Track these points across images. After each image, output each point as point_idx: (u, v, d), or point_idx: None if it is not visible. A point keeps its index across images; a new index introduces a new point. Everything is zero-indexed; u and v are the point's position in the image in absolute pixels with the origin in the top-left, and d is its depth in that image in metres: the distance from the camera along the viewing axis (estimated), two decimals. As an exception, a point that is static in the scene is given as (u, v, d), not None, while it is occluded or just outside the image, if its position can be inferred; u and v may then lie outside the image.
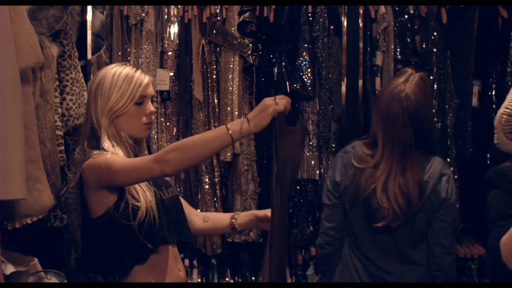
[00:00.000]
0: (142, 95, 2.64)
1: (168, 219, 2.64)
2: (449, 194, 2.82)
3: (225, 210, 4.16)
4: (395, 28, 4.15)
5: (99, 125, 2.61)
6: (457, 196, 2.85)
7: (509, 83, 4.06)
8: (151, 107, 2.68)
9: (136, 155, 2.68)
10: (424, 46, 4.16)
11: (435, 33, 4.12)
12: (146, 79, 2.67)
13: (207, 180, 4.16)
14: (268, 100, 2.31)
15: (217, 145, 2.38)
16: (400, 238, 2.85)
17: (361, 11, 4.06)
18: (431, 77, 4.10)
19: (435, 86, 4.10)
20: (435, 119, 4.04)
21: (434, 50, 4.12)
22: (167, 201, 2.67)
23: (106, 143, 2.60)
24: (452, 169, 4.18)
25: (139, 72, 2.67)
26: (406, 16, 4.16)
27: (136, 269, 2.60)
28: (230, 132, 2.32)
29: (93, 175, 2.51)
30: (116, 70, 2.66)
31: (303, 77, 4.06)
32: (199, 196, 4.20)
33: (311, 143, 4.14)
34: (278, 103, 2.30)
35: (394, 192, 2.76)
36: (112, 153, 2.56)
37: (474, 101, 4.18)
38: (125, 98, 2.62)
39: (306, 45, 4.10)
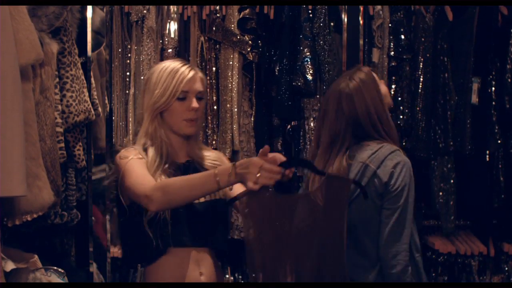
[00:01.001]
0: (184, 91, 2.63)
1: (189, 222, 2.63)
2: (393, 180, 2.69)
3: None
4: (390, 25, 4.15)
5: (142, 120, 2.70)
6: (409, 186, 2.67)
7: (509, 80, 4.06)
8: (193, 103, 2.64)
9: (168, 155, 2.67)
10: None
11: (422, 31, 4.13)
12: (190, 74, 2.65)
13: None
14: (256, 160, 2.24)
15: (202, 191, 2.39)
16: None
17: (361, 8, 4.06)
18: (419, 73, 4.10)
19: (420, 84, 4.11)
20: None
21: (421, 47, 4.13)
22: (198, 204, 2.63)
23: (141, 140, 2.69)
24: (449, 166, 4.19)
25: (185, 67, 2.67)
26: (401, 13, 4.16)
27: (150, 266, 2.65)
28: (217, 179, 2.31)
29: (117, 169, 2.63)
30: (164, 65, 2.70)
31: (305, 74, 4.06)
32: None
33: (312, 139, 4.14)
34: (263, 174, 2.20)
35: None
36: (134, 157, 2.61)
37: (474, 98, 4.18)
38: (167, 93, 2.63)
39: (307, 42, 4.10)
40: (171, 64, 2.69)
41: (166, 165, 2.64)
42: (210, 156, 2.79)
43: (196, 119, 2.67)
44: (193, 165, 2.69)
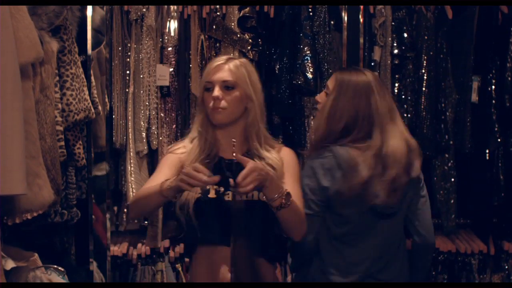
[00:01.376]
0: (209, 81, 2.72)
1: (219, 221, 2.68)
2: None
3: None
4: (393, 23, 4.15)
5: None
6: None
7: (509, 78, 4.06)
8: (215, 91, 2.68)
9: (213, 149, 2.76)
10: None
11: (425, 29, 4.13)
12: (215, 64, 2.74)
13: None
14: (186, 169, 2.38)
15: (152, 200, 2.56)
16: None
17: (361, 6, 4.05)
18: (422, 71, 4.10)
19: (424, 82, 4.10)
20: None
21: (424, 46, 4.13)
22: (233, 203, 2.67)
23: (192, 133, 2.84)
24: (450, 164, 4.20)
25: (220, 58, 2.77)
26: (403, 11, 4.16)
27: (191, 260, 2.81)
28: (161, 189, 2.47)
29: None
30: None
31: (306, 72, 4.06)
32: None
33: (313, 137, 4.15)
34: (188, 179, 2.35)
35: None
36: (169, 153, 2.81)
37: (474, 97, 4.18)
38: (201, 85, 2.78)
39: (307, 40, 4.10)
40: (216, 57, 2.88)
41: (206, 160, 2.70)
42: (269, 156, 2.74)
43: (221, 108, 2.68)
44: (238, 164, 2.55)
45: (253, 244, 2.71)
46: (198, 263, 2.74)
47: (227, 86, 2.69)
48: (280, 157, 2.76)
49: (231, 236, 2.67)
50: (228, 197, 2.66)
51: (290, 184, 2.67)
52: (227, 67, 2.70)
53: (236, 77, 2.70)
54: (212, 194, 2.61)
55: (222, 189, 2.49)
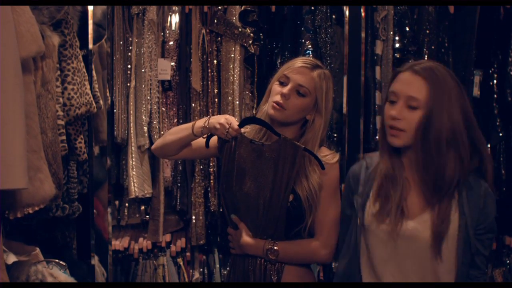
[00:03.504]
0: (286, 75, 2.75)
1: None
2: None
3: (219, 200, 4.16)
4: (395, 17, 4.14)
5: None
6: None
7: (511, 73, 4.05)
8: (285, 89, 2.72)
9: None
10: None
11: (427, 23, 4.12)
12: (298, 64, 2.76)
13: (198, 170, 4.17)
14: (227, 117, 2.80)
15: (181, 135, 2.87)
16: None
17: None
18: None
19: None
20: None
21: (426, 40, 4.12)
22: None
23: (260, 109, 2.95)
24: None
25: (307, 61, 2.80)
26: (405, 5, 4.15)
27: None
28: (193, 126, 2.80)
29: None
30: None
31: (307, 66, 4.06)
32: (193, 186, 4.21)
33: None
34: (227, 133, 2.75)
35: None
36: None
37: (475, 91, 4.18)
38: (276, 75, 2.82)
39: (309, 35, 4.09)
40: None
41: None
42: (314, 177, 2.76)
43: (282, 105, 2.71)
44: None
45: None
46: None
47: (299, 92, 2.72)
48: (323, 179, 2.76)
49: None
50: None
51: (326, 204, 2.77)
52: (311, 74, 2.73)
53: (314, 87, 2.74)
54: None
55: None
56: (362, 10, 3.97)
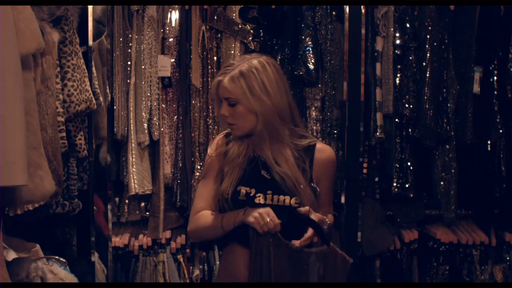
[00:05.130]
0: (216, 95, 2.71)
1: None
2: None
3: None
4: (395, 13, 4.14)
5: None
6: None
7: (511, 69, 4.05)
8: (222, 109, 2.67)
9: (249, 145, 2.75)
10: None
11: (428, 20, 4.11)
12: (216, 79, 2.67)
13: (198, 167, 4.17)
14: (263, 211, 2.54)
15: (212, 233, 2.71)
16: None
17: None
18: (426, 61, 4.09)
19: (427, 73, 4.10)
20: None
21: (428, 36, 4.11)
22: (264, 206, 2.61)
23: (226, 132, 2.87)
24: (451, 155, 4.20)
25: (222, 71, 2.68)
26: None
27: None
28: (222, 224, 2.64)
29: None
30: None
31: (307, 63, 4.06)
32: (193, 182, 4.20)
33: (314, 128, 4.14)
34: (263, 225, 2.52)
35: None
36: (209, 158, 2.84)
37: (475, 88, 4.17)
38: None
39: (309, 31, 4.09)
40: None
41: (243, 159, 2.73)
42: (284, 168, 2.67)
43: (231, 123, 2.67)
44: (260, 161, 2.71)
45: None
46: (227, 258, 2.79)
47: (230, 104, 2.64)
48: (296, 168, 2.68)
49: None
50: (259, 199, 2.66)
51: (326, 191, 2.81)
52: (225, 82, 2.62)
53: (235, 93, 2.61)
54: (242, 196, 2.66)
55: (253, 190, 2.64)
56: (362, 6, 3.96)
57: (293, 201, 2.65)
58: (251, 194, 2.65)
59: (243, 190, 2.66)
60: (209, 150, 2.83)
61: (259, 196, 2.65)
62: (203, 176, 2.84)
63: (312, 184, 2.71)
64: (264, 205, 2.61)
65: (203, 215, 2.72)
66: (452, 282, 4.33)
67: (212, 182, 2.75)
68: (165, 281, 4.29)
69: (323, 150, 2.77)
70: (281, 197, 2.65)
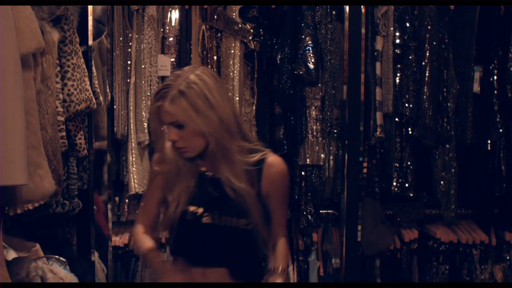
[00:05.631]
0: (160, 120, 2.48)
1: (195, 242, 2.59)
2: None
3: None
4: (395, 13, 4.14)
5: None
6: None
7: (511, 69, 4.05)
8: (170, 134, 2.46)
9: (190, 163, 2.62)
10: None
11: (428, 19, 4.11)
12: (155, 103, 2.44)
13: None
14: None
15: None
16: None
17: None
18: (426, 61, 4.09)
19: (427, 72, 4.09)
20: None
21: (428, 36, 4.11)
22: (210, 226, 2.54)
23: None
24: (451, 155, 4.20)
25: (158, 95, 2.44)
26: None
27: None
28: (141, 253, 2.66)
29: None
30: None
31: (307, 62, 4.06)
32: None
33: (314, 127, 4.15)
34: None
35: None
36: (152, 175, 2.77)
37: (475, 87, 4.17)
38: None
39: (309, 31, 4.09)
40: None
41: (188, 175, 2.57)
42: (240, 187, 2.51)
43: (181, 148, 2.47)
44: (207, 179, 2.58)
45: (227, 269, 2.58)
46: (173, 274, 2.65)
47: (177, 126, 2.42)
48: (246, 185, 2.50)
49: (204, 259, 2.57)
50: (207, 219, 2.54)
51: (277, 209, 2.60)
52: (166, 106, 2.39)
53: (178, 115, 2.40)
54: (189, 216, 2.54)
55: (200, 210, 2.53)
56: (362, 6, 3.96)
57: (241, 222, 2.53)
58: (198, 214, 2.52)
59: (191, 209, 2.54)
60: (155, 162, 2.67)
61: (206, 216, 2.53)
62: (147, 187, 2.76)
63: (263, 201, 2.55)
64: (211, 225, 2.52)
65: (136, 233, 2.73)
66: (452, 282, 4.32)
67: (155, 196, 2.67)
68: (165, 281, 4.29)
69: (273, 164, 2.55)
70: (229, 218, 2.53)
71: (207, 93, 2.40)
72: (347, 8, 3.91)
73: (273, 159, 2.57)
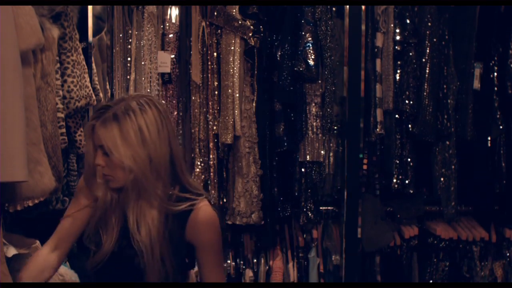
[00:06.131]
0: (92, 141, 2.31)
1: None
2: None
3: (226, 192, 4.17)
4: (395, 9, 4.13)
5: None
6: None
7: (511, 65, 4.05)
8: (97, 159, 2.28)
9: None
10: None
11: (428, 16, 4.11)
12: (89, 123, 2.29)
13: (198, 163, 4.16)
14: None
15: None
16: None
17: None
18: (426, 57, 4.09)
19: (427, 69, 4.09)
20: None
21: (428, 32, 4.11)
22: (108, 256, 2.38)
23: None
24: (451, 151, 4.19)
25: (94, 114, 2.30)
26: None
27: None
28: None
29: None
30: None
31: (307, 59, 4.06)
32: (192, 178, 4.20)
33: (314, 124, 4.15)
34: None
35: None
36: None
37: (476, 84, 4.17)
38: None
39: (309, 27, 4.09)
40: None
41: (114, 218, 2.38)
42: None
43: (106, 175, 2.29)
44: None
45: None
46: None
47: (104, 153, 2.24)
48: (159, 238, 2.28)
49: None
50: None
51: (205, 265, 2.38)
52: (97, 127, 2.23)
53: (105, 140, 2.22)
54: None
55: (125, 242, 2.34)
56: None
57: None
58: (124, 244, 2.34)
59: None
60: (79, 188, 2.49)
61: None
62: (69, 208, 2.53)
63: (184, 259, 2.40)
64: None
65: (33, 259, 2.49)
66: (452, 282, 4.32)
67: (77, 220, 2.48)
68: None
69: (197, 214, 2.30)
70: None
71: (143, 126, 2.21)
72: (347, 6, 3.92)
73: (201, 208, 2.32)
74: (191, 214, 2.30)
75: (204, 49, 4.17)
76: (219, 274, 2.40)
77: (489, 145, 4.20)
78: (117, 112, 2.20)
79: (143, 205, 2.27)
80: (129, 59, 4.21)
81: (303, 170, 4.20)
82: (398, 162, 4.16)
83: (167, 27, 4.20)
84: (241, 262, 4.33)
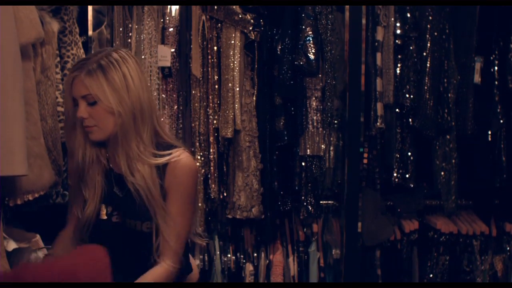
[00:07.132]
0: (70, 96, 2.40)
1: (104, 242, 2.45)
2: None
3: (226, 186, 4.17)
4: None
5: None
6: None
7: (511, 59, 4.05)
8: (79, 110, 2.36)
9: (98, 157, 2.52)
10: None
11: (429, 9, 4.10)
12: (71, 75, 2.36)
13: (198, 157, 4.16)
14: None
15: None
16: None
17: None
18: (427, 51, 4.08)
19: (428, 63, 4.09)
20: None
21: (428, 26, 4.10)
22: (116, 224, 2.48)
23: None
24: (451, 145, 4.19)
25: (76, 65, 2.38)
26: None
27: None
28: None
29: None
30: None
31: (307, 53, 4.05)
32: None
33: (315, 118, 4.14)
34: None
35: None
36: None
37: (476, 78, 4.17)
38: (66, 98, 2.50)
39: (309, 21, 4.08)
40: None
41: (99, 175, 2.48)
42: (135, 182, 2.40)
43: (89, 126, 2.37)
44: (113, 176, 2.49)
45: (129, 271, 2.47)
46: None
47: (88, 103, 2.34)
48: (152, 181, 2.39)
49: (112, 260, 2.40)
50: (116, 218, 2.47)
51: (176, 206, 2.42)
52: (82, 77, 2.32)
53: (93, 88, 2.31)
54: (103, 216, 2.47)
55: (110, 209, 2.45)
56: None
57: (144, 226, 2.42)
58: (109, 212, 2.45)
59: (103, 208, 2.47)
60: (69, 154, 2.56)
61: (116, 215, 2.46)
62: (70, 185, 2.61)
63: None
64: (119, 224, 2.45)
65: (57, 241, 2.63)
66: (452, 278, 4.33)
67: (77, 193, 2.53)
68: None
69: (178, 161, 2.41)
70: (132, 221, 2.43)
71: (126, 73, 2.35)
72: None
73: (181, 156, 2.43)
74: (170, 162, 2.41)
75: (204, 43, 4.16)
76: (185, 220, 2.45)
77: (489, 139, 4.20)
78: (101, 62, 2.33)
79: (133, 149, 2.38)
80: (129, 53, 4.20)
81: (303, 164, 4.20)
82: (398, 156, 4.16)
83: (167, 21, 4.19)
84: (242, 256, 4.33)
